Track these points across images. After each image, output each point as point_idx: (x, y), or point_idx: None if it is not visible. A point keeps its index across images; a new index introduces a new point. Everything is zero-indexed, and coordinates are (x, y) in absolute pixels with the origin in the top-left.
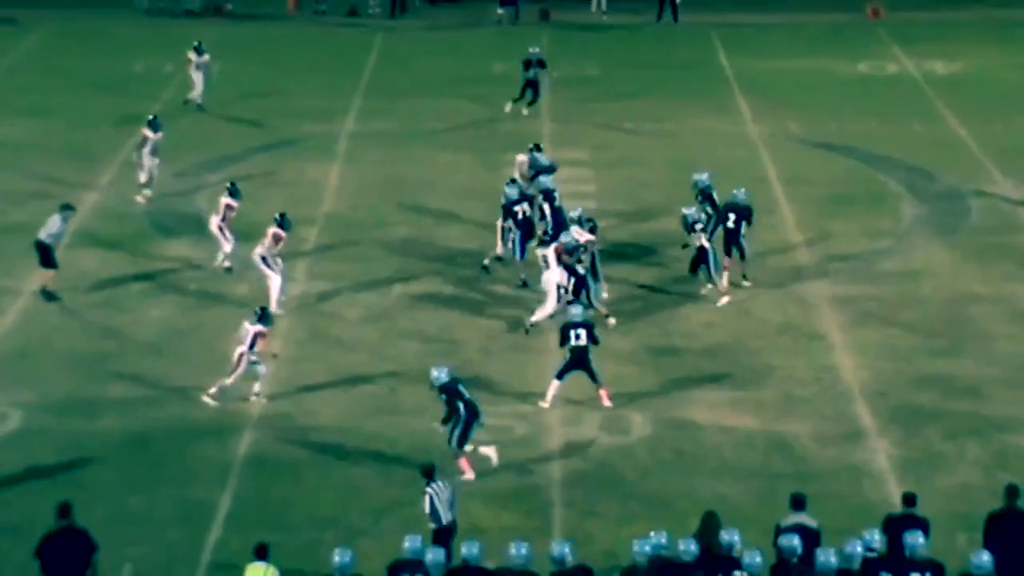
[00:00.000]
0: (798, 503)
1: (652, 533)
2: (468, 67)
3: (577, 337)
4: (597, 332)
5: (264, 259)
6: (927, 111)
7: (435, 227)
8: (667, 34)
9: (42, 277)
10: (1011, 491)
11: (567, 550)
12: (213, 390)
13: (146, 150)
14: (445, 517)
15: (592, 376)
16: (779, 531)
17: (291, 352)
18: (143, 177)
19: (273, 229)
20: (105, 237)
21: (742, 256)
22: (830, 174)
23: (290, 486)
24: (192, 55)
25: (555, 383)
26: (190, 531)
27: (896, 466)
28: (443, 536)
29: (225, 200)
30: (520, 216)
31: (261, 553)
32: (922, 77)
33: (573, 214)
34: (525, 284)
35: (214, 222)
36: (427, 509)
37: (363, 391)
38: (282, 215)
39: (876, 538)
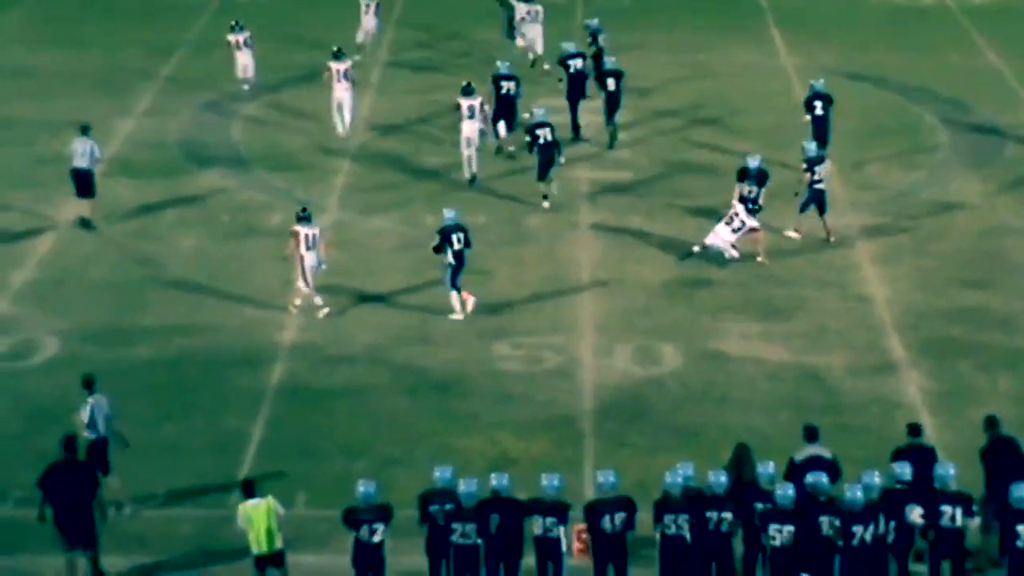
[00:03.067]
0: (812, 435)
1: (679, 465)
2: None
3: (458, 241)
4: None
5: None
6: (963, 42)
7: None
8: None
9: (79, 206)
10: (990, 421)
11: (612, 478)
12: (298, 301)
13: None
14: (102, 428)
15: (455, 282)
16: (793, 464)
17: (323, 282)
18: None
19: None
20: (138, 166)
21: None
22: (864, 106)
23: (322, 415)
24: (231, 35)
25: (452, 293)
26: (223, 459)
27: (928, 398)
28: (99, 446)
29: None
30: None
31: (249, 491)
32: (958, 7)
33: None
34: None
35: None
36: (86, 419)
37: (394, 321)
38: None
39: (906, 471)
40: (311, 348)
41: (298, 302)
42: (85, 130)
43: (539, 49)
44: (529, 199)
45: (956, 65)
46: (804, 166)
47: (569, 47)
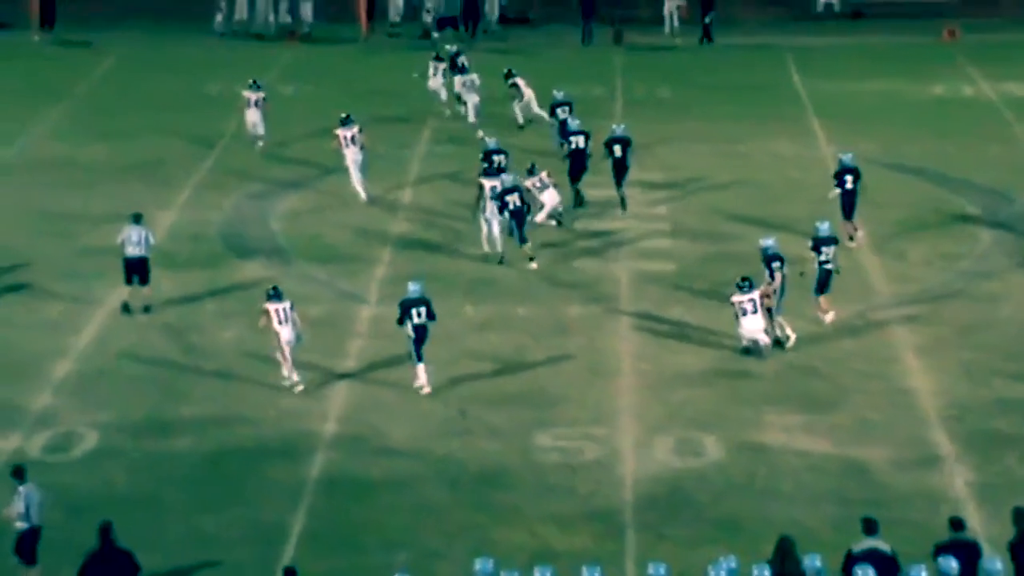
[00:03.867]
0: (871, 527)
1: (722, 558)
2: (542, 88)
3: (419, 315)
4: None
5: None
6: (1004, 133)
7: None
8: (740, 56)
9: (125, 294)
10: (1019, 514)
11: (663, 572)
12: (295, 378)
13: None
14: (35, 518)
15: (419, 354)
16: (850, 556)
17: (364, 373)
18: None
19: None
20: (179, 258)
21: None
22: (905, 196)
23: (362, 507)
24: (247, 92)
25: (420, 366)
26: (263, 552)
27: (974, 491)
28: (30, 537)
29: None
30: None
31: None
32: (999, 99)
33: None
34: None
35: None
36: (20, 510)
37: (435, 412)
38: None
39: (952, 565)
40: (351, 440)
41: (285, 374)
42: (138, 218)
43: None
44: (571, 288)
45: (997, 157)
46: (810, 244)
47: (574, 124)
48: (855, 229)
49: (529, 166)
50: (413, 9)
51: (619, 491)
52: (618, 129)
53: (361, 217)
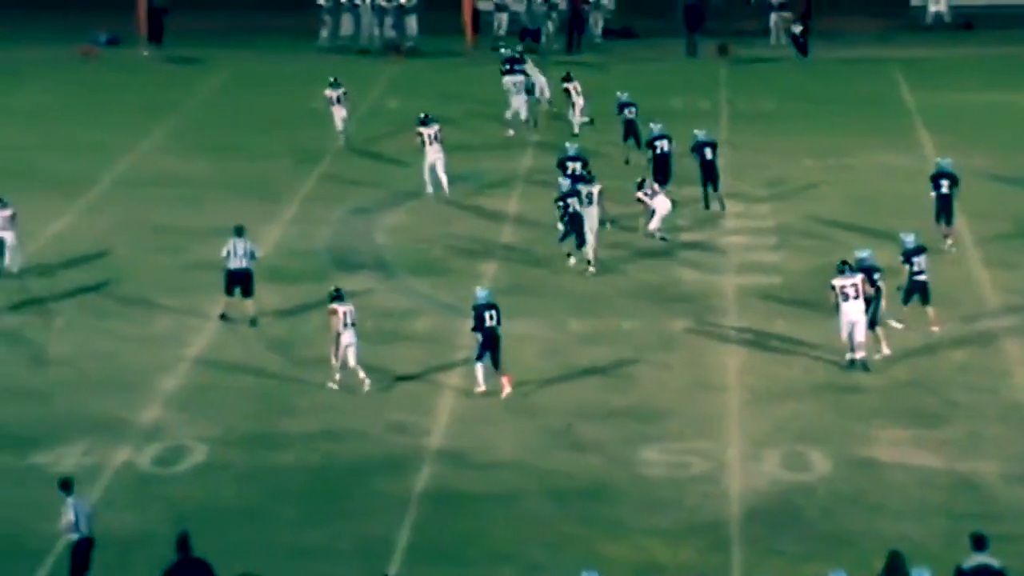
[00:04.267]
0: (980, 543)
1: (831, 573)
2: (646, 101)
3: (491, 318)
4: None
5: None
6: None
7: (610, 260)
8: (847, 69)
9: (229, 306)
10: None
11: None
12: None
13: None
14: (85, 528)
15: (496, 361)
16: (960, 572)
17: (469, 386)
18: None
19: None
20: (286, 272)
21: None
22: (1016, 208)
23: (467, 521)
24: (329, 91)
25: (478, 366)
26: (369, 566)
27: None
28: (83, 547)
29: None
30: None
31: None
32: None
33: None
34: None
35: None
36: (71, 520)
37: (540, 425)
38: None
39: None
40: (457, 453)
41: (337, 378)
42: (240, 231)
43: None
44: (675, 301)
45: None
46: (901, 259)
47: (656, 127)
48: (948, 235)
49: (639, 180)
50: (517, 23)
51: (726, 505)
52: (700, 134)
53: (466, 229)
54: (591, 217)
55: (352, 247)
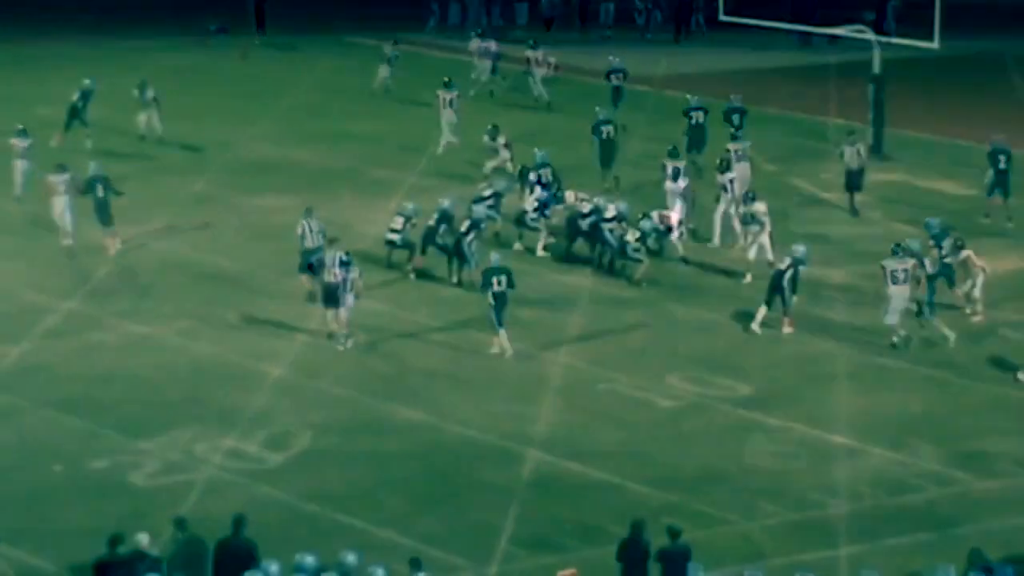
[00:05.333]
0: None
1: (939, 566)
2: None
3: (499, 283)
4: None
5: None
6: None
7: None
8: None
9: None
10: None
11: None
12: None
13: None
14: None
15: (500, 320)
16: None
17: (574, 375)
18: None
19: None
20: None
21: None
22: None
23: (571, 509)
24: (443, 92)
25: (501, 332)
26: (475, 552)
27: None
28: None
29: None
30: None
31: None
32: None
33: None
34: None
35: None
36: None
37: (646, 417)
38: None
39: None
40: (562, 442)
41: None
42: (310, 212)
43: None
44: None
45: None
46: (931, 243)
47: (693, 100)
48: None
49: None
50: (623, 12)
51: (833, 496)
52: (736, 99)
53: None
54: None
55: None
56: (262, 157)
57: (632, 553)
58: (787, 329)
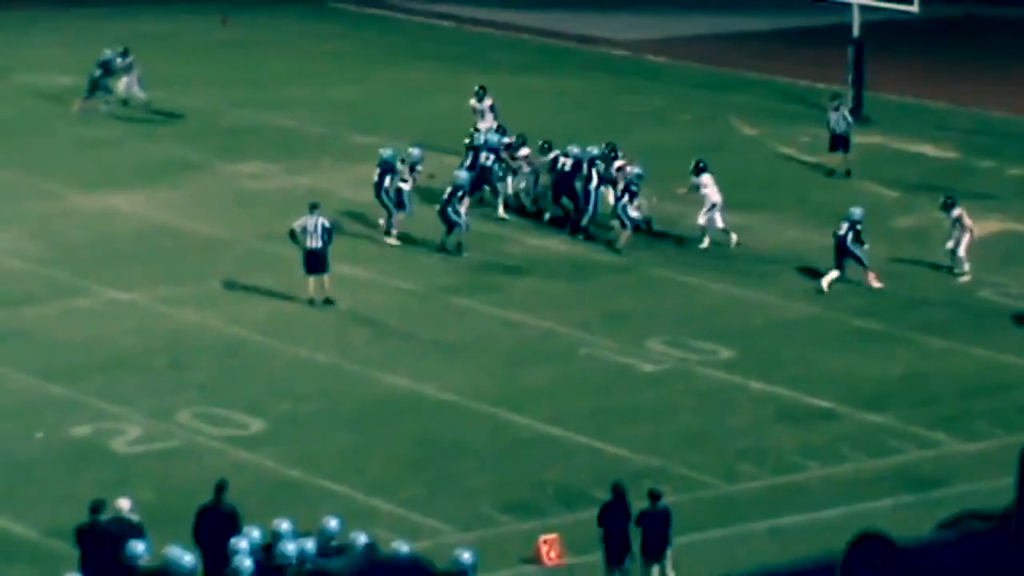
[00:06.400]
0: None
1: None
2: None
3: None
4: None
5: None
6: None
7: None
8: None
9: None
10: None
11: None
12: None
13: None
14: None
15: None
16: None
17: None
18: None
19: None
20: None
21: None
22: None
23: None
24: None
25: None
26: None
27: None
28: None
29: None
30: None
31: None
32: None
33: None
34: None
35: None
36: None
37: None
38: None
39: None
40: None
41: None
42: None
43: None
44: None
45: None
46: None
47: None
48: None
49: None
50: None
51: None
52: None
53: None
54: None
55: None
56: (243, 123)
57: (613, 517)
58: (875, 284)
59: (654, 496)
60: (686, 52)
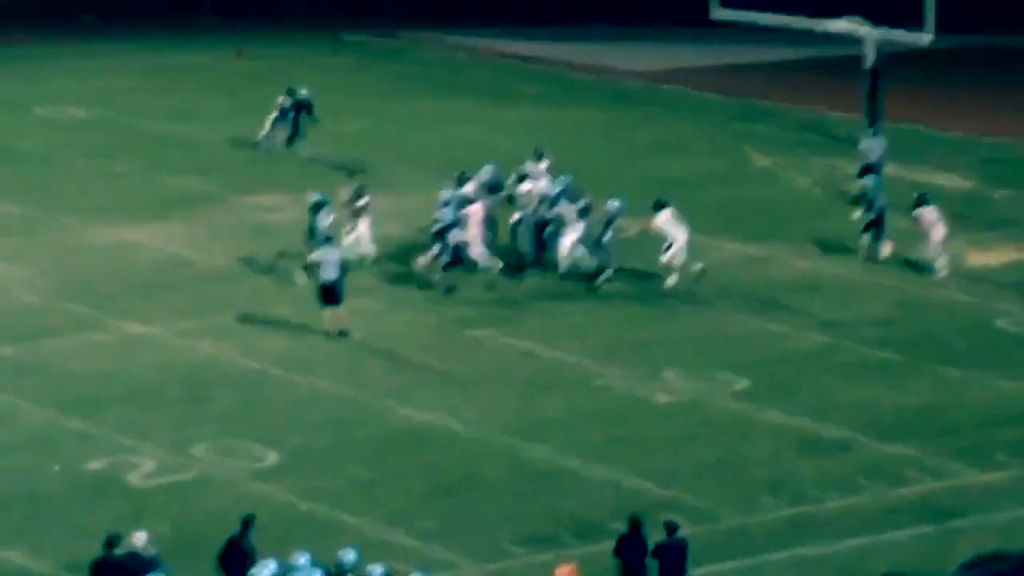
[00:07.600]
0: None
1: None
2: None
3: None
4: None
5: None
6: None
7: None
8: None
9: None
10: None
11: None
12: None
13: None
14: None
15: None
16: None
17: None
18: None
19: None
20: None
21: None
22: None
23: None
24: None
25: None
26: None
27: None
28: None
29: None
30: None
31: None
32: None
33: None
34: None
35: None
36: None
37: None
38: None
39: None
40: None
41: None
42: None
43: None
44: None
45: None
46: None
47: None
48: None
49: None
50: None
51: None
52: None
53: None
54: None
55: None
56: (259, 155)
57: (630, 549)
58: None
59: (671, 528)
60: (702, 82)
